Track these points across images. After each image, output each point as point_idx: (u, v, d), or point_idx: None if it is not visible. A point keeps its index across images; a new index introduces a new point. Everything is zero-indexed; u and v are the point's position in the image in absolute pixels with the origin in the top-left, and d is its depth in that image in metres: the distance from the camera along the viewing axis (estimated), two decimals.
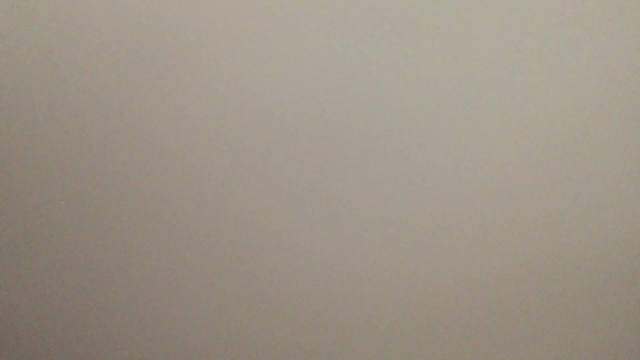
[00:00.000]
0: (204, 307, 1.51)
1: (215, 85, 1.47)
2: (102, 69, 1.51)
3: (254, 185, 1.47)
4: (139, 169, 1.51)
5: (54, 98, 1.54)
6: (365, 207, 1.43)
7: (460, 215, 1.40)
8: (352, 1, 1.40)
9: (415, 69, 1.39)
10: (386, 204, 1.42)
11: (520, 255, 1.38)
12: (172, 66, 1.48)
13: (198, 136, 1.48)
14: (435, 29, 1.38)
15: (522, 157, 1.37)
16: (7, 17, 1.55)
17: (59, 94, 1.54)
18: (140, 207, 1.52)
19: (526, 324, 1.39)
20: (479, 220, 1.39)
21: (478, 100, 1.37)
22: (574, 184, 1.35)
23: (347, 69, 1.42)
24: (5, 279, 1.60)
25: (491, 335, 1.40)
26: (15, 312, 1.60)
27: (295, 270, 1.47)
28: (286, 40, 1.44)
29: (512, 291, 1.39)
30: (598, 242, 1.35)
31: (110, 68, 1.51)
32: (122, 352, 1.56)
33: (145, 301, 1.54)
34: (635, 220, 1.34)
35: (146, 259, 1.53)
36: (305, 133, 1.44)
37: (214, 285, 1.50)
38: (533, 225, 1.37)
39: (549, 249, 1.37)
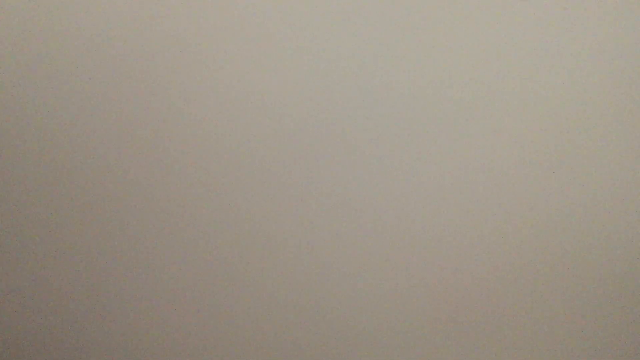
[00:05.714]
0: (204, 307, 1.51)
1: (216, 85, 1.47)
2: (102, 69, 1.51)
3: (253, 185, 1.47)
4: (139, 169, 1.51)
5: (53, 98, 1.54)
6: (366, 207, 1.43)
7: (460, 216, 1.40)
8: (352, 1, 1.40)
9: (416, 69, 1.39)
10: (387, 204, 1.42)
11: (520, 256, 1.38)
12: (171, 66, 1.48)
13: (197, 136, 1.48)
14: (435, 28, 1.38)
15: (522, 157, 1.37)
16: (7, 17, 1.54)
17: (59, 94, 1.54)
18: (140, 207, 1.52)
19: (526, 324, 1.39)
20: (479, 220, 1.39)
21: (478, 100, 1.38)
22: (574, 184, 1.36)
23: (347, 69, 1.42)
24: (5, 278, 1.60)
25: (491, 335, 1.40)
26: (15, 312, 1.60)
27: (295, 270, 1.47)
28: (286, 41, 1.44)
29: (512, 291, 1.39)
30: (598, 243, 1.35)
31: (110, 68, 1.51)
32: (122, 352, 1.56)
33: (145, 301, 1.54)
34: (635, 220, 1.34)
35: (146, 259, 1.53)
36: (305, 133, 1.44)
37: (214, 285, 1.50)
38: (533, 225, 1.37)
39: (548, 249, 1.37)
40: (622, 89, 1.33)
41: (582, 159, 1.35)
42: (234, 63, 1.46)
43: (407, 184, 1.41)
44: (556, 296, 1.37)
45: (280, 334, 1.48)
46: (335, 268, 1.45)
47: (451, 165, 1.39)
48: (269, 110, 1.45)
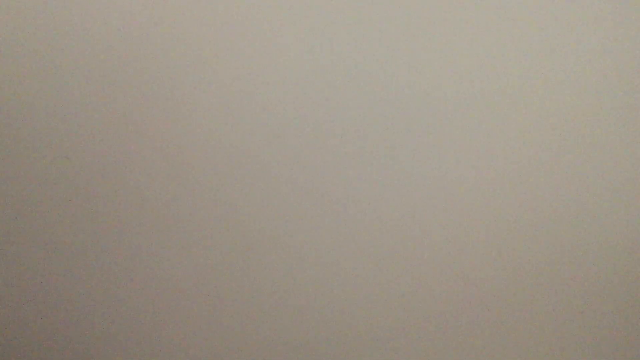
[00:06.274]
0: (203, 307, 1.51)
1: (215, 84, 1.47)
2: (102, 69, 1.51)
3: (254, 186, 1.47)
4: (140, 170, 1.51)
5: (54, 98, 1.54)
6: (366, 208, 1.43)
7: (461, 217, 1.40)
8: (352, 1, 1.41)
9: (417, 69, 1.39)
10: (387, 203, 1.42)
11: (520, 255, 1.38)
12: (171, 66, 1.48)
13: (198, 137, 1.48)
14: (436, 28, 1.38)
15: (522, 158, 1.37)
16: (7, 17, 1.54)
17: (59, 94, 1.54)
18: (141, 208, 1.52)
19: (526, 324, 1.39)
20: (479, 221, 1.39)
21: (478, 100, 1.38)
22: (574, 184, 1.36)
23: (348, 69, 1.42)
24: (5, 279, 1.60)
25: (491, 335, 1.40)
26: (15, 312, 1.60)
27: (295, 270, 1.47)
28: (286, 40, 1.44)
29: (512, 291, 1.39)
30: (598, 243, 1.36)
31: (110, 68, 1.51)
32: (122, 352, 1.56)
33: (145, 302, 1.54)
34: (636, 220, 1.34)
35: (146, 260, 1.53)
36: (304, 133, 1.44)
37: (214, 285, 1.50)
38: (533, 225, 1.37)
39: (548, 249, 1.37)
40: (622, 88, 1.33)
41: (582, 159, 1.35)
42: (234, 62, 1.46)
43: (407, 184, 1.41)
44: (556, 297, 1.37)
45: (280, 333, 1.48)
46: (335, 268, 1.45)
47: (451, 166, 1.39)
48: (269, 110, 1.46)
